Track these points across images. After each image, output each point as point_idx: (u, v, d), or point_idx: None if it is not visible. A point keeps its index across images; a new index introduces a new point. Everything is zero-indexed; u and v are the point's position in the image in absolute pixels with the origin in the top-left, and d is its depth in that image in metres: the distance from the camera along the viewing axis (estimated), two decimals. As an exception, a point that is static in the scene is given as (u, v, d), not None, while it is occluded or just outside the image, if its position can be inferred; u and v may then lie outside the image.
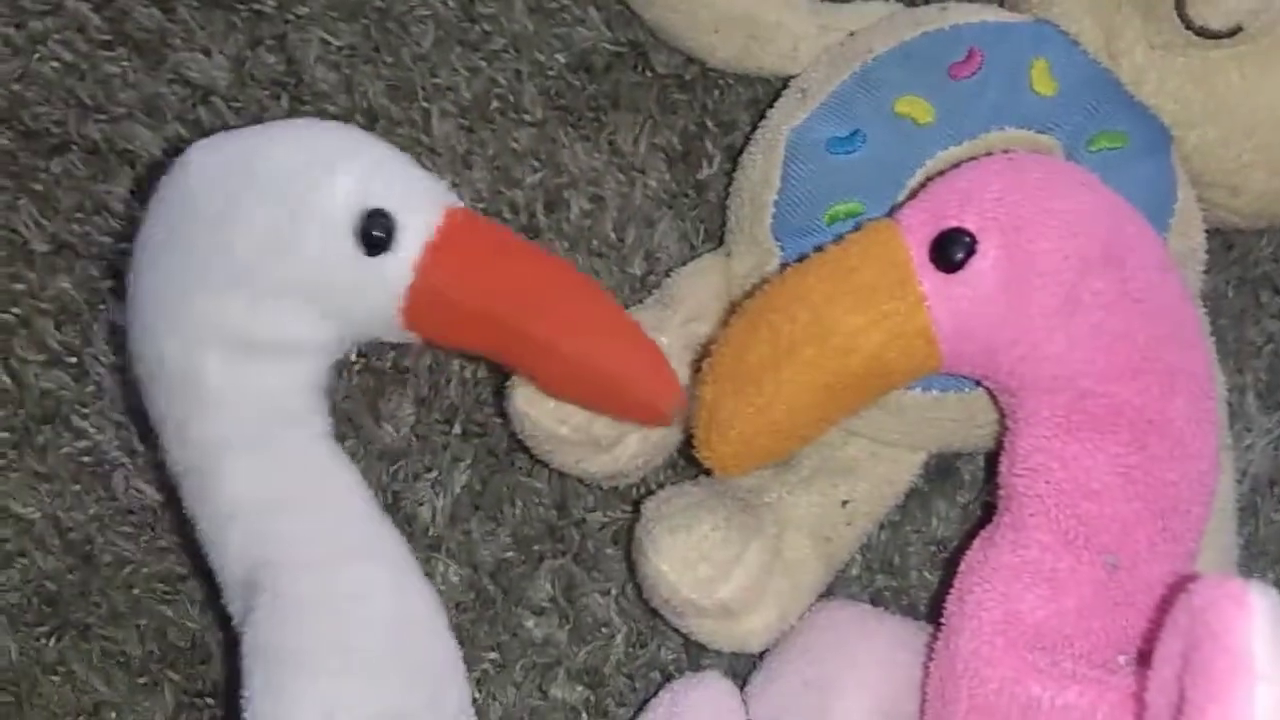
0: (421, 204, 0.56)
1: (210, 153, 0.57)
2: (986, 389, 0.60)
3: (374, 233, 0.55)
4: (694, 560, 0.61)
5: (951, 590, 0.58)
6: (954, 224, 0.56)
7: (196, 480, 0.57)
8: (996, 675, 0.55)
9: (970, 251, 0.55)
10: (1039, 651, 0.55)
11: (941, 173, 0.59)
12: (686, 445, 0.61)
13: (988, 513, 0.60)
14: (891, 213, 0.58)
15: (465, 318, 0.57)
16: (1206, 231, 0.67)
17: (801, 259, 0.62)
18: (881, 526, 0.68)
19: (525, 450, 0.66)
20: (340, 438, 0.61)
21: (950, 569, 0.65)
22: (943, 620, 0.58)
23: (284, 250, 0.55)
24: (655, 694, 0.65)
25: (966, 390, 0.62)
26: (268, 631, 0.55)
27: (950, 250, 0.55)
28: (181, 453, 0.57)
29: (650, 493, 0.66)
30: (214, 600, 0.61)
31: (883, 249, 0.56)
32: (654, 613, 0.65)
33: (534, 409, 0.62)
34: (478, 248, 0.57)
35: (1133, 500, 0.56)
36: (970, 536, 0.60)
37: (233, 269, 0.55)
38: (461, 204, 0.58)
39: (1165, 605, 0.55)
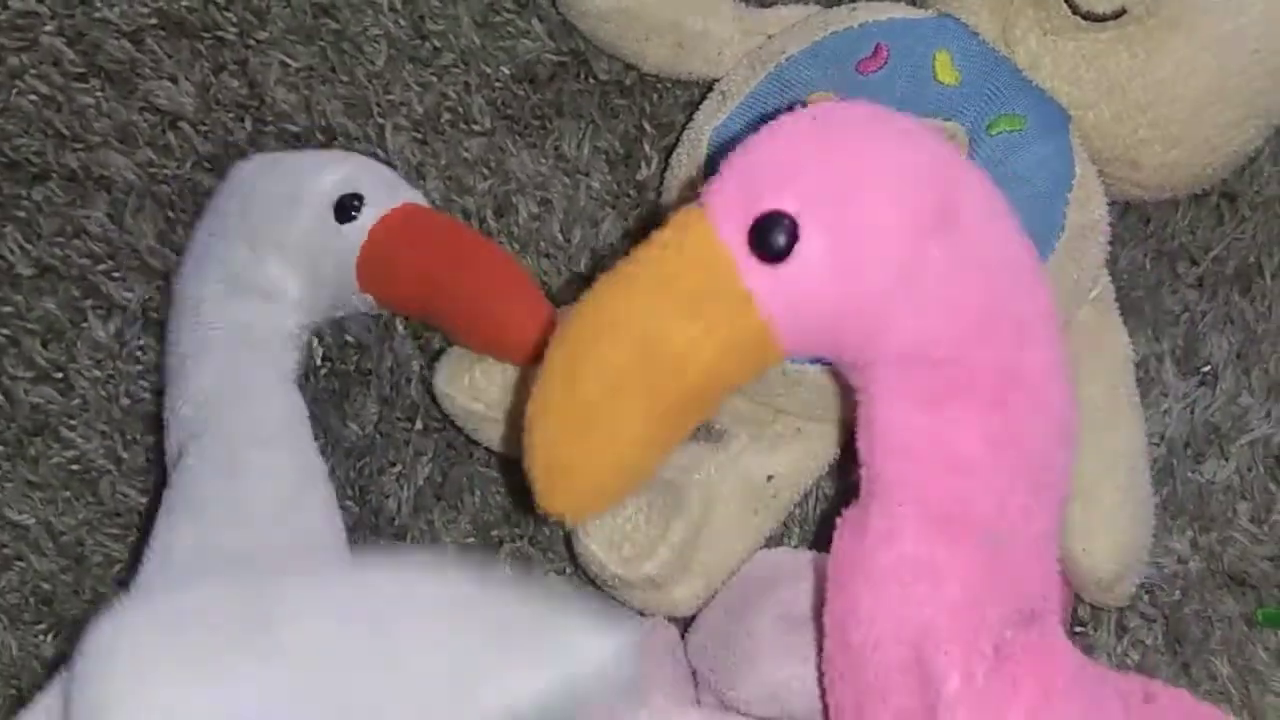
0: (388, 194, 0.68)
1: (251, 162, 0.71)
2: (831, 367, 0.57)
3: (346, 209, 0.67)
4: (619, 541, 0.64)
5: (831, 584, 0.54)
6: (770, 207, 0.50)
7: (177, 377, 0.68)
8: (898, 681, 0.52)
9: (794, 236, 0.49)
10: (935, 645, 0.52)
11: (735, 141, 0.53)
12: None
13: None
14: (698, 195, 0.52)
15: (402, 275, 0.67)
16: (1125, 205, 0.70)
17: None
18: (815, 498, 0.70)
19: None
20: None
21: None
22: (827, 619, 0.55)
23: (282, 216, 0.68)
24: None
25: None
26: (179, 485, 0.64)
27: (771, 237, 0.49)
28: (171, 359, 0.69)
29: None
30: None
31: (697, 247, 0.51)
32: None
33: (450, 387, 0.69)
34: (420, 225, 0.68)
35: (1001, 468, 0.52)
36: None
37: (244, 226, 0.69)
38: (426, 204, 0.69)
39: (1048, 558, 0.54)
